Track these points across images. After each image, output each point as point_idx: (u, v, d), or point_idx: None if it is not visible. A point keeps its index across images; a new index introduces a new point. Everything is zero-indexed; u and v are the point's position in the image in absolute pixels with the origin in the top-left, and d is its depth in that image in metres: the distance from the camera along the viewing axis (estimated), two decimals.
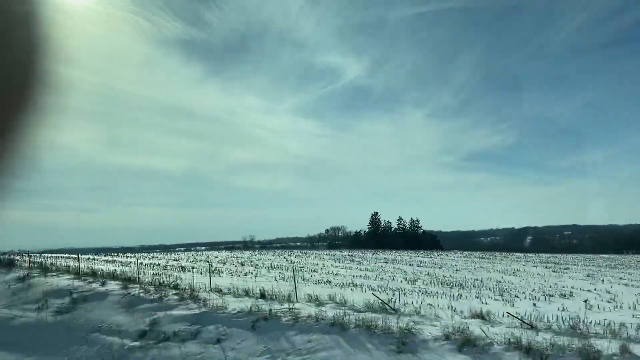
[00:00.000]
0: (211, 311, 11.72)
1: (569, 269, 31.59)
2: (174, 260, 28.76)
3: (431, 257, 36.21)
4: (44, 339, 12.90)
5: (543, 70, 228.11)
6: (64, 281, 15.84)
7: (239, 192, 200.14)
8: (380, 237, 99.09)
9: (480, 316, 11.06)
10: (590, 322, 11.17)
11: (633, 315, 13.71)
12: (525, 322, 10.38)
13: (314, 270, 24.05)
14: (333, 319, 10.30)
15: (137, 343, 11.36)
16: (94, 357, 11.01)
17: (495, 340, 8.85)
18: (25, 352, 11.77)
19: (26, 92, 0.93)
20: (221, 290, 14.25)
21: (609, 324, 11.11)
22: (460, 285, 20.31)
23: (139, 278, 15.92)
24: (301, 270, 24.32)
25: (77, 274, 17.17)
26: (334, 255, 36.07)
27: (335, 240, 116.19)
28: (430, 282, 20.87)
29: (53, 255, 29.35)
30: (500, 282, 22.42)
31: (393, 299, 13.65)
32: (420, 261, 32.32)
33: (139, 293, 13.59)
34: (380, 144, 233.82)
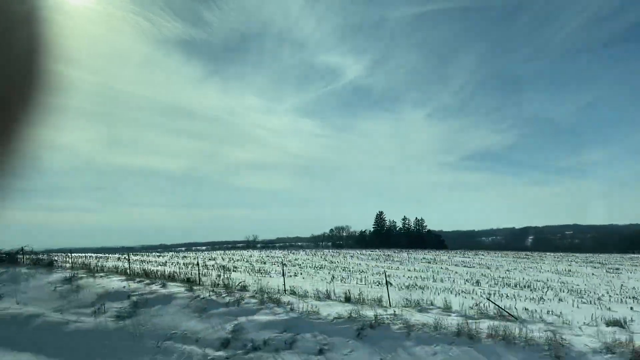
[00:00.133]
0: (302, 317, 10.40)
1: (618, 268, 30.14)
2: (209, 259, 27.47)
3: (469, 257, 34.77)
4: (108, 346, 11.62)
5: (543, 70, 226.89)
6: (116, 283, 14.57)
7: (239, 192, 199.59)
8: (385, 237, 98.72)
9: (617, 324, 9.71)
10: None
11: None
12: None
13: (363, 271, 22.72)
14: (457, 327, 8.95)
15: (221, 353, 10.06)
16: None
17: None
18: None
19: (26, 92, 0.93)
20: (295, 293, 12.93)
21: None
22: (528, 286, 18.93)
23: (200, 279, 14.62)
24: (349, 271, 22.98)
25: (127, 274, 15.90)
26: (369, 255, 34.63)
27: (339, 240, 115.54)
28: (495, 284, 19.52)
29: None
30: (564, 283, 21.03)
31: (497, 304, 12.29)
32: (462, 261, 30.89)
33: (209, 296, 12.29)
34: (380, 144, 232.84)
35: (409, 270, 24.21)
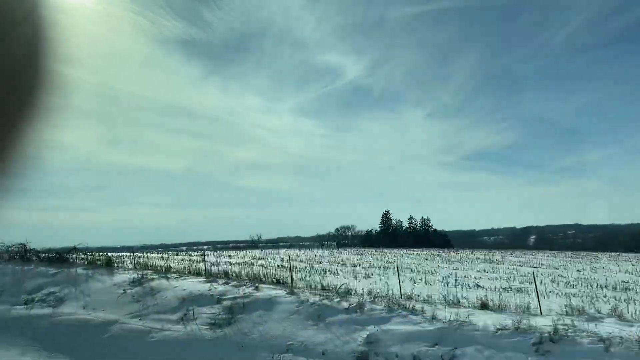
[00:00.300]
0: (453, 327, 8.75)
1: None
2: (258, 258, 25.89)
3: (524, 257, 33.02)
4: (207, 358, 10.02)
5: (543, 70, 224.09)
6: (196, 285, 12.99)
7: (239, 191, 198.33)
8: (392, 236, 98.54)
9: None
10: None
11: None
12: None
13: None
14: None
15: None
16: None
17: None
18: None
19: (26, 91, 0.92)
20: (412, 297, 11.29)
21: None
22: (626, 289, 17.17)
23: (292, 281, 13.00)
24: (415, 271, 21.31)
25: (205, 275, 14.31)
26: (419, 255, 32.87)
27: (344, 240, 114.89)
28: (588, 285, 17.80)
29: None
30: None
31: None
32: (519, 261, 29.18)
33: (320, 300, 10.67)
34: (380, 144, 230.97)
35: (480, 271, 22.50)
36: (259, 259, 26.50)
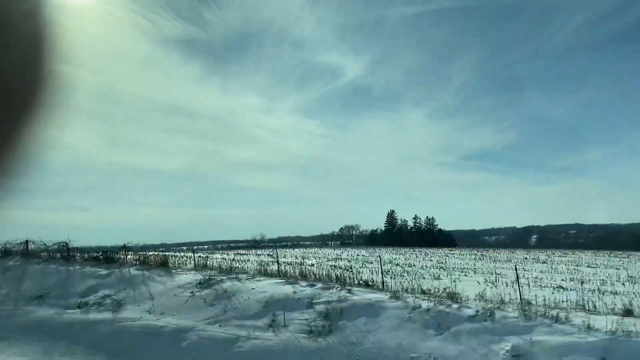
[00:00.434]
0: (618, 339, 7.48)
1: None
2: (306, 258, 24.70)
3: (566, 256, 31.64)
4: None
5: (543, 69, 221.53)
6: (275, 287, 11.77)
7: (240, 191, 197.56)
8: (397, 236, 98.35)
9: None
10: None
11: None
12: None
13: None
14: None
15: None
16: None
17: None
18: None
19: (27, 91, 0.92)
20: (530, 302, 10.01)
21: None
22: None
23: (384, 283, 11.74)
24: (473, 272, 20.03)
25: (274, 275, 13.09)
26: (462, 254, 31.54)
27: (349, 239, 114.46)
28: None
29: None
30: None
31: None
32: (569, 260, 27.78)
33: (434, 306, 9.41)
34: (380, 144, 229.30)
35: (543, 272, 21.18)
36: (303, 258, 25.27)
